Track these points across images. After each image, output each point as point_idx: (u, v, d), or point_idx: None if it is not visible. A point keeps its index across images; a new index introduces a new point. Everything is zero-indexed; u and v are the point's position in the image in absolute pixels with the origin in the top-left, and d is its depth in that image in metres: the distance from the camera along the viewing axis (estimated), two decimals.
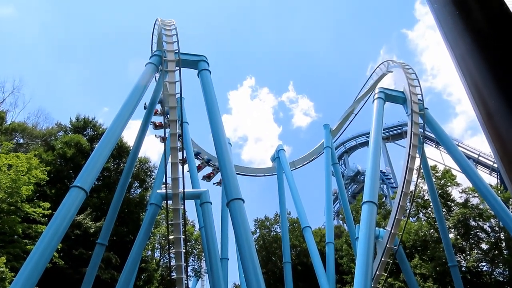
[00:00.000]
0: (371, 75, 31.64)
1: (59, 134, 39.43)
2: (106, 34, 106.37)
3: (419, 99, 23.03)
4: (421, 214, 36.30)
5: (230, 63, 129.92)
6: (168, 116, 19.23)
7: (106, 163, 25.80)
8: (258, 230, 53.51)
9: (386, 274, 20.49)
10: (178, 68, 19.06)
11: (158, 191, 21.08)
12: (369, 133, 23.03)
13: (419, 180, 33.04)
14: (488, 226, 31.68)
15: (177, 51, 19.51)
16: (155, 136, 27.76)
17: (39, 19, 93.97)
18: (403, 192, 20.32)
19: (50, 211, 22.29)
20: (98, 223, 28.96)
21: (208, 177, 32.27)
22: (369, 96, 31.25)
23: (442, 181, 33.88)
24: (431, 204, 31.43)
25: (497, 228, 30.80)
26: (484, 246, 31.68)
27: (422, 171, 26.44)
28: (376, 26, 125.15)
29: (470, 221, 31.36)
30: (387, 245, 19.95)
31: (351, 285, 33.30)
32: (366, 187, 19.52)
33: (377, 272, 19.73)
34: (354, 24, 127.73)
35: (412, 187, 22.19)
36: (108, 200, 29.34)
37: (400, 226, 20.72)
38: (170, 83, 18.98)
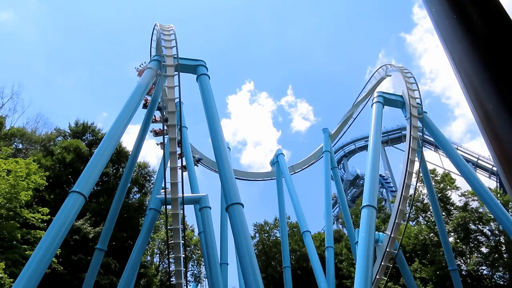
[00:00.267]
0: (369, 79, 31.75)
1: (58, 139, 39.40)
2: (105, 39, 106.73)
3: (417, 103, 23.10)
4: (421, 218, 36.30)
5: (229, 67, 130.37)
6: (167, 120, 19.23)
7: (105, 168, 25.81)
8: (257, 235, 53.45)
9: (386, 278, 20.43)
10: (177, 73, 19.09)
11: (157, 196, 21.04)
12: (368, 137, 23.09)
13: (418, 184, 33.08)
14: (488, 230, 31.67)
15: (176, 56, 19.55)
16: (156, 143, 27.62)
17: (38, 24, 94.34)
18: (402, 196, 20.31)
19: (49, 216, 22.24)
20: (97, 228, 28.88)
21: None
22: (368, 100, 31.32)
23: (442, 185, 33.91)
24: (430, 207, 31.44)
25: (497, 232, 30.80)
26: (484, 249, 31.66)
27: (421, 174, 26.45)
28: (375, 30, 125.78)
29: (470, 224, 31.36)
30: (387, 249, 19.91)
31: None
32: (366, 191, 19.51)
33: (377, 276, 19.68)
34: (353, 28, 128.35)
35: (411, 191, 22.20)
36: (107, 205, 29.27)
37: (400, 230, 20.70)
38: (169, 87, 19.00)
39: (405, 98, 23.50)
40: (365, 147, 69.09)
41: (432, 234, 33.56)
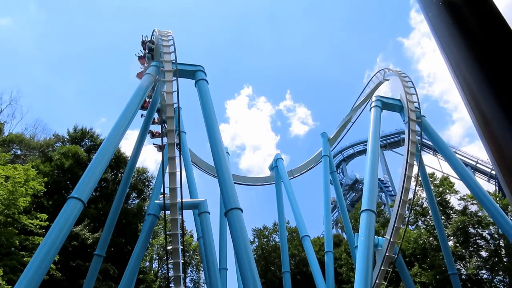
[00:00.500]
0: (367, 84, 31.84)
1: (56, 145, 39.39)
2: (103, 45, 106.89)
3: (416, 107, 23.15)
4: (420, 222, 36.28)
5: (227, 72, 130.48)
6: (166, 125, 19.22)
7: (104, 173, 25.73)
8: (256, 240, 53.34)
9: (385, 283, 20.36)
10: (175, 78, 19.13)
11: (156, 201, 20.99)
12: (366, 141, 23.11)
13: (417, 188, 33.07)
14: (487, 234, 31.64)
15: (174, 61, 19.60)
16: (153, 145, 27.55)
17: (37, 30, 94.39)
18: (401, 200, 20.29)
19: (47, 222, 22.15)
20: (96, 234, 28.79)
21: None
22: (366, 105, 31.39)
23: (441, 189, 33.92)
24: (429, 211, 31.41)
25: (496, 235, 30.76)
26: (483, 253, 31.62)
27: (420, 178, 26.48)
28: (372, 35, 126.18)
29: (469, 228, 31.34)
30: (387, 254, 19.85)
31: None
32: (365, 196, 19.50)
33: (377, 281, 19.59)
34: (350, 33, 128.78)
35: (410, 195, 22.20)
36: (105, 211, 29.22)
37: (399, 234, 20.67)
38: (167, 93, 19.01)
39: (403, 102, 23.56)
40: (364, 151, 69.16)
41: (431, 238, 33.51)
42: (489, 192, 27.95)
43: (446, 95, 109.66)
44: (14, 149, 36.81)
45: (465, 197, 32.43)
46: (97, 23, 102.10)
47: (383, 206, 62.23)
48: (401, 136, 62.07)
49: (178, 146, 20.16)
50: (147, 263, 43.49)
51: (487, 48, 2.23)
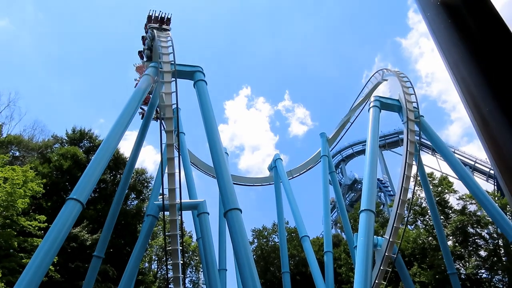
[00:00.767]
0: (366, 84, 31.89)
1: (55, 146, 39.35)
2: (101, 45, 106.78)
3: (414, 107, 23.17)
4: (419, 221, 36.29)
5: (226, 73, 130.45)
6: (164, 124, 19.18)
7: (103, 174, 25.67)
8: (256, 240, 53.32)
9: (385, 283, 20.37)
10: (174, 79, 19.11)
11: (155, 202, 20.95)
12: (365, 141, 23.09)
13: (416, 188, 33.13)
14: (486, 233, 31.67)
15: (173, 62, 19.57)
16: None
17: (34, 31, 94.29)
18: (400, 200, 20.30)
19: (46, 224, 22.10)
20: (95, 236, 28.75)
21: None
22: (365, 105, 31.42)
23: (439, 188, 33.95)
24: (428, 211, 31.44)
25: (495, 235, 30.79)
26: (482, 253, 31.64)
27: (419, 178, 26.50)
28: (371, 35, 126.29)
29: (468, 228, 31.37)
30: (386, 254, 19.86)
31: None
32: (364, 196, 19.51)
33: (376, 281, 19.60)
34: (349, 33, 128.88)
35: (409, 195, 22.21)
36: (104, 212, 29.18)
37: (399, 234, 20.67)
38: (166, 94, 18.99)
39: (401, 102, 23.59)
40: (362, 151, 69.13)
41: (430, 238, 33.53)
42: (488, 192, 27.99)
43: (444, 95, 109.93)
44: (12, 151, 36.75)
45: (464, 197, 32.46)
46: (95, 24, 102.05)
47: (382, 206, 62.21)
48: (400, 136, 62.07)
49: (177, 147, 20.17)
50: (146, 264, 43.47)
51: (485, 48, 2.23)
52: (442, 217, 31.70)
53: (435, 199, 28.48)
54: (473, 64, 2.24)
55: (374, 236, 19.67)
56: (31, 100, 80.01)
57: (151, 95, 22.69)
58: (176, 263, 19.47)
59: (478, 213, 31.45)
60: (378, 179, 62.05)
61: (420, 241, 34.09)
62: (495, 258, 30.37)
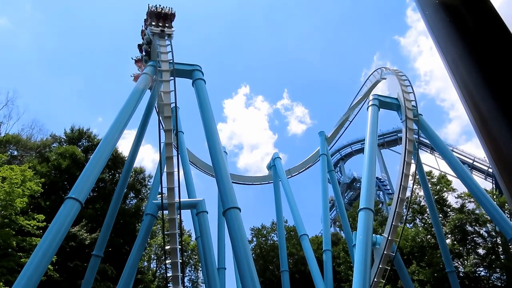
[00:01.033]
0: (365, 82, 31.88)
1: (53, 145, 39.26)
2: (99, 44, 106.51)
3: (413, 105, 23.19)
4: (418, 220, 36.38)
5: (225, 71, 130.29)
6: (163, 123, 19.16)
7: (101, 173, 25.66)
8: (255, 239, 53.35)
9: (384, 281, 20.40)
10: (172, 78, 19.08)
11: (154, 201, 20.94)
12: (364, 140, 23.10)
13: (415, 186, 33.20)
14: (485, 231, 31.77)
15: (171, 61, 19.54)
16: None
17: (33, 30, 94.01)
18: (399, 198, 20.33)
19: (44, 223, 22.09)
20: (94, 235, 28.72)
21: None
22: (364, 103, 31.42)
23: (438, 187, 34.02)
24: (427, 210, 31.50)
25: (493, 233, 30.89)
26: (481, 251, 31.75)
27: (417, 177, 26.54)
28: (369, 33, 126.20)
29: (467, 226, 31.47)
30: (385, 252, 19.89)
31: None
32: (362, 194, 19.53)
33: (375, 279, 19.63)
34: (347, 31, 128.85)
35: (408, 193, 22.23)
36: (103, 211, 29.15)
37: (397, 233, 20.71)
38: (164, 93, 18.97)
39: (400, 100, 23.60)
40: (361, 150, 69.13)
41: (429, 236, 33.61)
42: (486, 190, 28.05)
43: (442, 93, 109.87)
44: (10, 150, 36.65)
45: (463, 195, 32.55)
46: (94, 23, 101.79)
47: (381, 204, 62.20)
48: (399, 135, 62.18)
49: (176, 146, 20.15)
50: (145, 263, 43.49)
51: (484, 46, 2.23)
52: (440, 215, 31.78)
53: (433, 198, 28.53)
54: (471, 62, 2.24)
55: (373, 235, 19.69)
56: (30, 99, 79.86)
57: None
58: (175, 262, 19.47)
59: (477, 211, 31.54)
60: (377, 178, 62.14)
61: (419, 240, 34.17)
62: (494, 256, 30.46)
